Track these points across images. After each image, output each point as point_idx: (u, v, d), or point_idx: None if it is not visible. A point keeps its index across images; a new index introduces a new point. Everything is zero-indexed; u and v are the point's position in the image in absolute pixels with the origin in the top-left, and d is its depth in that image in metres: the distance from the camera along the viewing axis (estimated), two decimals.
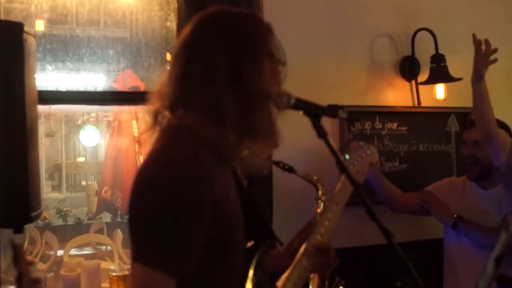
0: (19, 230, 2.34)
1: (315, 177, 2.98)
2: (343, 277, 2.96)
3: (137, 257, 1.61)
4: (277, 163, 2.98)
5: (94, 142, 4.67)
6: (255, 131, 1.77)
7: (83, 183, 16.86)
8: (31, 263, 2.13)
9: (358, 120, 1.98)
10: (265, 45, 1.86)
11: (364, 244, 4.18)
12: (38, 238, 6.11)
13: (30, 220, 2.36)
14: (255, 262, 1.92)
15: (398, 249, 1.78)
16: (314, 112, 1.89)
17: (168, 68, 1.86)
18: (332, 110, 1.89)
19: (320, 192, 2.95)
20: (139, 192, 1.68)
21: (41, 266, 4.03)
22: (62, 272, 3.45)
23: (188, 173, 1.63)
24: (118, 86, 3.85)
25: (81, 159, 17.28)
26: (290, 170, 3.00)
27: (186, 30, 1.86)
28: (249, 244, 1.98)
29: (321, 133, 1.86)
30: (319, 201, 2.94)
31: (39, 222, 4.26)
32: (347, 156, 2.53)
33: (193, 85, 1.76)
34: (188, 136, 1.73)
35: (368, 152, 2.50)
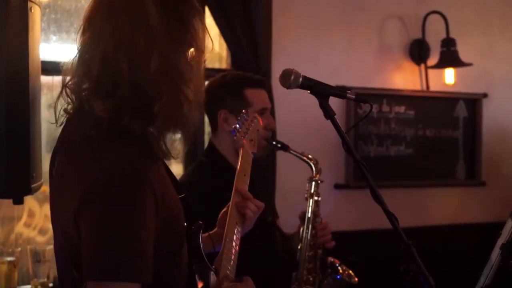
0: (19, 201, 2.31)
1: (310, 156, 2.91)
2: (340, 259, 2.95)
3: (91, 274, 1.48)
4: (270, 142, 2.84)
5: None
6: (168, 121, 1.63)
7: None
8: None
9: (367, 101, 1.92)
10: (192, 28, 1.66)
11: (367, 228, 4.18)
12: (38, 211, 6.09)
13: (30, 191, 2.32)
14: (195, 245, 1.83)
15: (402, 233, 1.75)
16: (321, 91, 1.85)
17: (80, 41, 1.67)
18: (341, 91, 1.85)
19: (314, 171, 2.90)
20: (81, 201, 1.53)
21: (39, 238, 4.01)
22: None
23: (128, 181, 1.52)
24: None
25: None
26: (284, 148, 2.88)
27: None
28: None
29: (328, 113, 1.83)
30: (312, 181, 2.89)
31: (39, 194, 4.22)
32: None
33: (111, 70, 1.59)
34: (115, 136, 1.59)
35: (255, 120, 2.30)
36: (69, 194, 1.59)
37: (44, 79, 3.20)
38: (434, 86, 4.54)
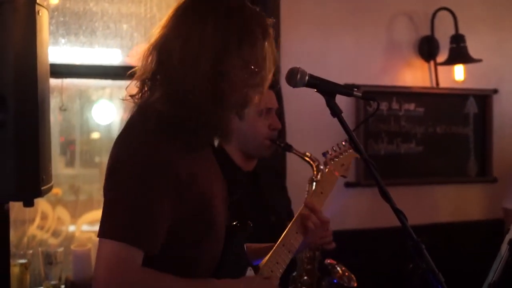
0: (29, 204, 2.32)
1: (311, 156, 2.87)
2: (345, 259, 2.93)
3: (99, 232, 1.66)
4: (273, 142, 2.80)
5: (108, 119, 4.56)
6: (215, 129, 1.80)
7: (97, 159, 16.84)
8: None
9: (374, 99, 1.92)
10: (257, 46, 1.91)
11: (378, 226, 4.17)
12: (50, 213, 6.10)
13: (40, 194, 2.33)
14: (234, 242, 1.92)
15: (410, 231, 1.74)
16: (328, 90, 1.85)
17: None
18: (347, 88, 1.84)
19: (315, 171, 2.87)
20: (106, 175, 1.75)
21: (52, 241, 4.02)
22: (72, 247, 3.45)
23: (144, 161, 1.68)
24: (132, 61, 3.79)
25: (95, 135, 17.27)
26: (287, 148, 2.84)
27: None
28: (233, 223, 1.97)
29: (335, 112, 1.82)
30: (313, 182, 2.85)
31: (51, 197, 4.24)
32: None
33: (171, 67, 1.75)
34: (153, 121, 1.72)
35: (350, 150, 2.49)
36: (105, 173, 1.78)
37: (53, 81, 3.22)
38: (443, 83, 4.52)
